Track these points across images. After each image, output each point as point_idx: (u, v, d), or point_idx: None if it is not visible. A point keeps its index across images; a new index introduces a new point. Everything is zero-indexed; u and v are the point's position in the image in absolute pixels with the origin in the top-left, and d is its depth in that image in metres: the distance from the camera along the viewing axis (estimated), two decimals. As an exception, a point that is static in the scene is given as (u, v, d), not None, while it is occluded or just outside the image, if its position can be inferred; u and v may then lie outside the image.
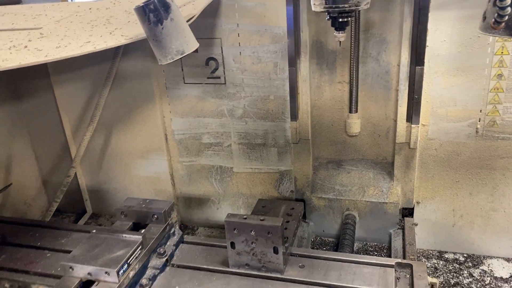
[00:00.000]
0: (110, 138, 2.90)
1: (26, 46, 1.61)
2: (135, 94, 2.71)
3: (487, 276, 2.46)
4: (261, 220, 1.65)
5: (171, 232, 1.92)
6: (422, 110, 2.30)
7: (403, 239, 2.40)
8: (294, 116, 2.46)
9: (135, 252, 1.65)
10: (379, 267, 1.73)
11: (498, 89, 2.16)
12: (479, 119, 2.25)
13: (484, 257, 2.56)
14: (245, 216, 1.69)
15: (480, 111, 2.24)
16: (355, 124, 2.44)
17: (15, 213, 2.98)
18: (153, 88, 2.67)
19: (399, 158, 2.44)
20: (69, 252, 1.86)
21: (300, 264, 1.75)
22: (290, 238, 1.91)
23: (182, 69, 2.57)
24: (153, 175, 2.97)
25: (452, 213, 2.52)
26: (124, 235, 1.72)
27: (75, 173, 2.98)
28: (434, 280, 1.64)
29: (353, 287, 1.64)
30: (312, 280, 1.68)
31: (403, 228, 2.48)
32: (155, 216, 1.87)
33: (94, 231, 1.77)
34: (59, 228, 2.10)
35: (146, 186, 3.03)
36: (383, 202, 2.50)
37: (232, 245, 1.71)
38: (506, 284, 2.44)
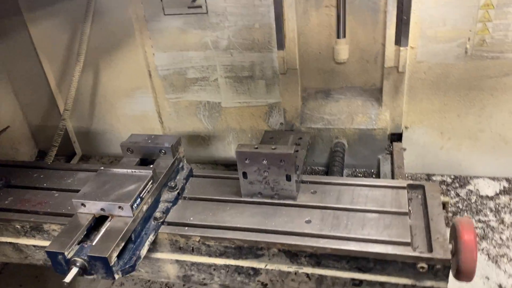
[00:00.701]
0: (93, 77, 2.82)
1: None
2: (114, 29, 2.60)
3: (473, 195, 2.53)
4: (272, 148, 1.64)
5: (180, 166, 1.90)
6: (410, 32, 2.24)
7: (392, 164, 2.44)
8: (280, 45, 2.39)
9: (147, 186, 1.64)
10: (391, 189, 1.73)
11: (488, 5, 2.10)
12: (469, 38, 2.21)
13: (470, 177, 2.63)
14: (256, 146, 1.67)
15: (470, 30, 2.19)
16: (343, 50, 2.39)
17: (3, 158, 2.95)
18: (132, 21, 2.56)
19: (387, 84, 2.42)
20: (77, 191, 1.83)
21: (312, 191, 1.76)
22: (300, 166, 1.91)
23: (161, -1, 2.46)
24: (140, 114, 2.93)
25: (440, 136, 2.55)
26: (133, 170, 1.69)
27: (61, 116, 2.93)
28: (446, 199, 1.65)
29: (366, 209, 1.65)
30: (325, 205, 1.69)
31: (391, 153, 2.51)
32: (163, 151, 1.84)
33: (102, 168, 1.73)
34: (63, 169, 2.06)
35: (134, 125, 2.99)
36: (372, 129, 2.51)
37: (244, 175, 1.71)
38: (491, 202, 2.52)
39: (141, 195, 1.59)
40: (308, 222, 1.61)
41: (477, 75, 2.31)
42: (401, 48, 2.26)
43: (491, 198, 2.54)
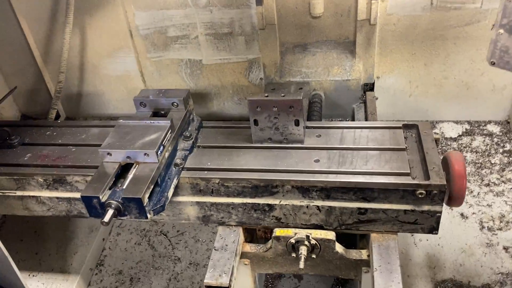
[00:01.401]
0: (74, 38, 2.85)
1: None
2: (93, -12, 2.63)
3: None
4: (282, 96, 1.77)
5: (191, 118, 2.01)
6: (381, -15, 2.38)
7: (365, 111, 2.63)
8: (259, 0, 2.49)
9: (167, 135, 1.74)
10: (388, 129, 1.90)
11: (452, -42, 2.26)
12: (434, -10, 2.37)
13: (436, 121, 2.87)
14: (266, 94, 1.80)
15: (435, -18, 2.35)
16: (319, 4, 2.50)
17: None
18: (111, -19, 2.59)
19: (360, 36, 2.57)
20: (93, 145, 1.95)
21: (316, 134, 1.92)
22: (305, 113, 2.07)
23: (140, -42, 2.49)
24: (123, 74, 3.00)
25: (409, 84, 2.75)
26: (151, 121, 1.79)
27: (44, 79, 2.97)
28: (437, 136, 1.83)
29: (368, 147, 1.81)
30: (330, 146, 1.85)
31: (365, 102, 2.69)
32: (175, 103, 1.94)
33: (121, 120, 1.82)
34: (74, 126, 2.13)
35: (117, 85, 3.06)
36: (346, 80, 2.67)
37: (255, 122, 1.84)
38: (454, 143, 2.78)
39: (163, 143, 1.70)
40: (317, 161, 1.77)
41: (441, 25, 2.49)
42: (373, 1, 2.40)
43: (454, 139, 2.79)
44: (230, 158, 1.85)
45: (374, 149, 1.81)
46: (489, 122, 2.88)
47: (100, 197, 1.55)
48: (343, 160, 1.77)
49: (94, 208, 1.57)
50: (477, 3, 2.40)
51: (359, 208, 1.72)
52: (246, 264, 1.93)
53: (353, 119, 2.75)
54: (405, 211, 1.69)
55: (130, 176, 1.63)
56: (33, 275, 2.36)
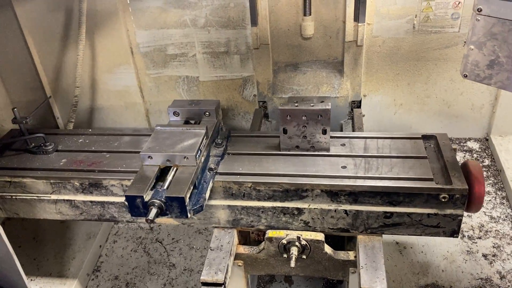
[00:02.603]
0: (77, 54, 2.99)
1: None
2: (98, 8, 2.79)
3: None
4: (311, 106, 1.90)
5: (220, 127, 2.13)
6: (367, 10, 2.58)
7: (353, 126, 2.78)
8: (254, 22, 2.67)
9: (203, 141, 1.85)
10: (409, 139, 2.02)
11: (431, -14, 2.47)
12: (416, 15, 2.58)
13: (419, 138, 3.02)
14: (296, 104, 1.91)
15: (417, 8, 2.56)
16: (309, 26, 2.69)
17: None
18: (115, 1, 2.76)
19: (348, 56, 2.75)
20: (127, 152, 2.06)
21: (341, 143, 2.03)
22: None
23: (144, -19, 2.67)
24: (122, 89, 3.13)
25: (394, 102, 2.92)
26: (187, 128, 1.91)
27: (45, 92, 3.09)
28: (455, 146, 1.96)
29: (392, 155, 1.92)
30: (355, 154, 1.95)
31: (352, 118, 2.85)
32: (207, 113, 2.07)
33: (158, 127, 1.93)
34: (105, 134, 2.23)
35: (116, 100, 3.19)
36: (335, 97, 2.84)
37: (285, 130, 1.95)
38: (436, 157, 2.93)
39: (200, 148, 1.81)
40: (344, 167, 1.88)
41: (423, 48, 2.68)
42: (359, 24, 2.59)
43: (437, 155, 2.94)
44: (260, 164, 1.95)
45: (397, 157, 1.92)
46: (469, 139, 3.05)
47: (144, 196, 1.63)
48: (369, 166, 1.87)
49: (137, 207, 1.65)
50: (455, 27, 2.60)
51: (385, 212, 1.80)
52: (239, 266, 2.03)
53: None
54: (428, 214, 1.77)
55: (169, 178, 1.72)
56: (31, 280, 2.42)
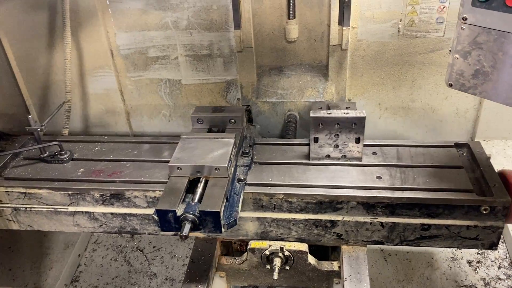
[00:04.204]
0: (55, 57, 2.90)
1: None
2: (76, 9, 2.70)
3: (407, 158, 2.91)
4: (345, 113, 1.82)
5: (244, 135, 2.06)
6: (352, 13, 2.54)
7: (338, 132, 2.75)
8: (237, 24, 2.62)
9: (233, 151, 1.77)
10: (441, 148, 1.98)
11: (416, -10, 2.44)
12: (400, 19, 2.55)
13: (404, 142, 3.01)
14: (329, 112, 1.84)
15: (401, 12, 2.53)
16: (294, 29, 2.65)
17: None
18: (94, 2, 2.67)
19: (332, 60, 2.72)
20: (147, 161, 1.97)
21: (372, 152, 1.97)
22: None
23: (123, -19, 2.59)
24: (102, 92, 3.05)
25: (378, 106, 2.90)
26: (215, 137, 1.82)
27: (22, 95, 2.99)
28: (489, 154, 1.91)
29: (426, 164, 1.87)
30: (389, 163, 1.89)
31: (337, 123, 2.82)
32: (233, 120, 2.00)
33: (185, 136, 1.84)
34: (123, 141, 2.16)
35: (96, 103, 3.11)
36: (320, 101, 2.80)
37: (316, 139, 1.87)
38: (421, 162, 2.91)
39: (230, 158, 1.73)
40: (379, 178, 1.82)
41: (408, 52, 2.66)
42: (344, 28, 2.56)
43: (422, 159, 2.93)
44: (291, 174, 1.88)
45: (432, 166, 1.87)
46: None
47: (176, 210, 1.55)
48: (405, 176, 1.81)
49: (168, 222, 1.57)
50: (440, 32, 2.58)
51: (423, 224, 1.75)
52: (221, 277, 1.99)
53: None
54: (467, 227, 1.73)
55: (199, 190, 1.65)
56: (6, 291, 2.35)
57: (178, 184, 1.67)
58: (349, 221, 1.79)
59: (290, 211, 1.81)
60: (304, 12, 2.64)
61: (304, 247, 1.84)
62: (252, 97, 2.88)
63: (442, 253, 2.44)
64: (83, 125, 3.23)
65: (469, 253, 2.42)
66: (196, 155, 1.74)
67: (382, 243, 1.82)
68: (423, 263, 2.40)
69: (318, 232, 1.84)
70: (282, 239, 1.88)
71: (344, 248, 1.87)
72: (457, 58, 1.53)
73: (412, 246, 1.81)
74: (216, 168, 1.68)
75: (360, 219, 1.78)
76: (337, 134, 1.86)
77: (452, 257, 2.41)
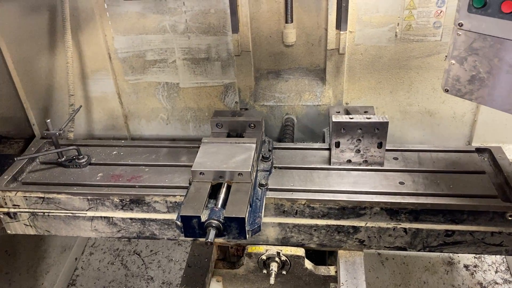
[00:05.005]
0: (54, 60, 2.90)
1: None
2: (75, 13, 2.70)
3: (404, 161, 2.91)
4: (367, 118, 1.80)
5: (263, 139, 2.04)
6: (349, 17, 2.55)
7: (336, 135, 2.75)
8: (235, 28, 2.62)
9: (254, 156, 1.75)
10: (463, 153, 1.96)
11: (413, -5, 2.45)
12: (398, 23, 2.55)
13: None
14: (351, 116, 1.82)
15: (399, 16, 2.53)
16: (291, 34, 2.65)
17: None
18: (92, 6, 2.67)
19: (330, 64, 2.72)
20: (166, 166, 1.95)
21: (393, 157, 1.94)
22: None
23: (121, -15, 2.59)
24: (100, 95, 3.05)
25: (376, 110, 2.89)
26: (236, 141, 1.81)
27: (20, 98, 2.99)
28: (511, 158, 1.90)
29: (449, 170, 1.85)
30: (411, 168, 1.86)
31: (335, 126, 2.83)
32: (252, 124, 1.97)
33: (206, 141, 1.82)
34: (140, 146, 2.13)
35: (93, 106, 3.10)
36: (317, 105, 2.80)
37: (337, 144, 1.85)
38: (418, 166, 2.91)
39: (253, 163, 1.71)
40: (402, 183, 1.79)
41: (405, 56, 2.66)
42: (341, 32, 2.56)
43: (419, 163, 2.93)
44: (312, 179, 1.86)
45: (455, 172, 1.85)
46: (451, 147, 3.04)
47: (201, 216, 1.54)
48: (428, 182, 1.79)
49: (192, 228, 1.55)
50: (437, 36, 2.58)
51: (447, 230, 1.73)
52: (218, 282, 1.98)
53: (323, 142, 2.87)
54: (492, 233, 1.71)
55: (221, 195, 1.63)
56: (2, 295, 2.34)
57: (201, 190, 1.65)
58: (372, 227, 1.77)
59: (312, 217, 1.78)
60: (301, 16, 2.64)
61: (301, 251, 1.84)
62: (250, 101, 2.88)
63: (439, 257, 2.44)
64: (84, 129, 3.23)
65: (466, 258, 2.42)
66: (219, 160, 1.71)
67: (404, 249, 1.80)
68: (420, 267, 2.40)
69: (340, 238, 1.82)
70: (302, 245, 1.86)
71: (341, 252, 1.87)
72: (453, 63, 1.53)
73: (434, 252, 1.79)
74: (239, 173, 1.66)
75: (383, 225, 1.76)
76: (359, 139, 1.83)
77: (449, 261, 2.41)
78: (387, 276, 2.37)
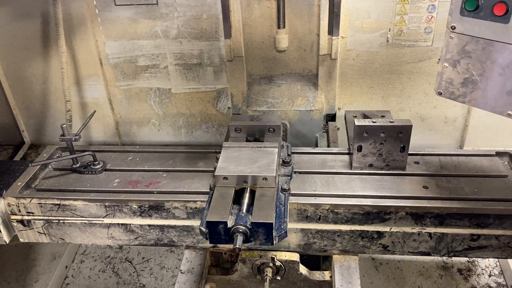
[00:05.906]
0: (44, 66, 2.87)
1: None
2: (65, 18, 2.68)
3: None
4: (390, 122, 1.78)
5: (281, 144, 2.01)
6: (341, 23, 2.56)
7: (328, 141, 2.76)
8: (227, 34, 2.62)
9: (277, 160, 1.72)
10: (484, 157, 1.94)
11: (404, 0, 2.47)
12: (389, 29, 2.57)
13: (394, 151, 3.02)
14: (374, 120, 1.79)
15: (390, 22, 2.55)
16: (283, 39, 2.66)
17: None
18: (83, 11, 2.66)
19: (322, 69, 2.73)
20: (184, 171, 1.92)
21: (414, 161, 1.92)
22: None
23: (113, -10, 2.58)
24: (91, 101, 3.02)
25: (368, 115, 2.91)
26: (258, 146, 1.78)
27: (9, 105, 2.96)
28: None
29: (471, 174, 1.82)
30: (433, 172, 1.84)
31: (327, 131, 2.83)
32: (272, 129, 1.95)
33: (227, 145, 1.79)
34: (156, 151, 2.10)
35: (84, 112, 3.08)
36: (310, 110, 2.80)
37: (359, 148, 1.82)
38: (411, 171, 2.92)
39: (276, 168, 1.69)
40: (425, 187, 1.77)
41: (397, 61, 2.68)
42: (333, 38, 2.58)
43: (411, 168, 2.94)
44: (334, 184, 1.83)
45: (478, 175, 1.84)
46: (443, 152, 3.06)
47: (227, 222, 1.51)
48: (452, 186, 1.77)
49: (218, 234, 1.53)
50: (429, 41, 2.61)
51: (472, 235, 1.71)
52: (212, 288, 1.96)
53: (316, 147, 2.87)
54: None
55: (245, 200, 1.61)
56: (-10, 305, 2.29)
57: (225, 195, 1.63)
58: (396, 232, 1.74)
59: (335, 222, 1.75)
60: (294, 22, 2.65)
61: (295, 257, 1.82)
62: (242, 106, 2.87)
63: (433, 261, 2.44)
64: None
65: (460, 262, 2.42)
66: (242, 165, 1.69)
67: (428, 254, 1.78)
68: (414, 272, 2.40)
69: (363, 244, 1.79)
70: (325, 251, 1.83)
71: (335, 257, 1.85)
72: (446, 66, 1.54)
73: (459, 256, 1.78)
74: (264, 178, 1.64)
75: (408, 229, 1.74)
76: (382, 143, 1.81)
77: (443, 266, 2.41)
78: (381, 281, 2.36)
